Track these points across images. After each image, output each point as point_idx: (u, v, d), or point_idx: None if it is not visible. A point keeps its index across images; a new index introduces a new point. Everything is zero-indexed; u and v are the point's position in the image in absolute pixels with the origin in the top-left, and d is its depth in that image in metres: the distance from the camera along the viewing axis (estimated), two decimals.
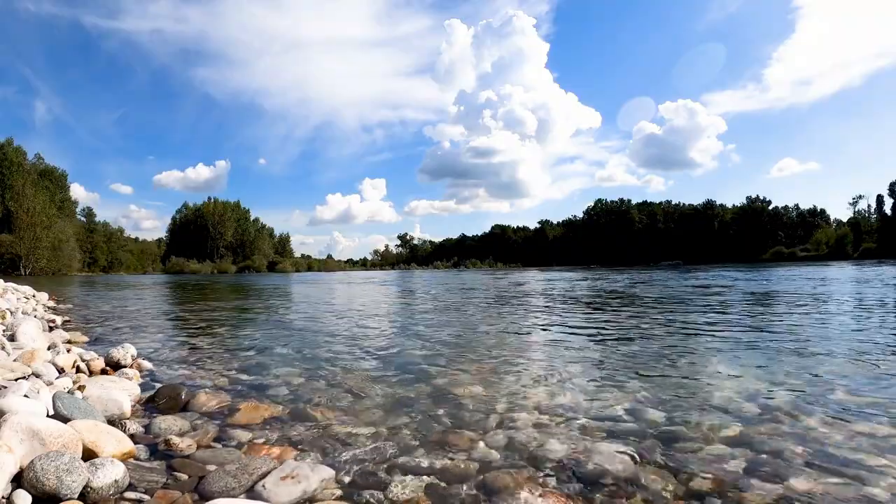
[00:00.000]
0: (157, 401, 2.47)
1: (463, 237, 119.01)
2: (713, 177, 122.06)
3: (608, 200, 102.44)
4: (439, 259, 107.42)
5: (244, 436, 2.03)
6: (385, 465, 1.74)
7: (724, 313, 6.51)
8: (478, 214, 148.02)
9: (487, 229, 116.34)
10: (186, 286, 20.33)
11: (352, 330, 5.46)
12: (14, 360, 2.72)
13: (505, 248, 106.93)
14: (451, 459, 1.79)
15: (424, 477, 1.65)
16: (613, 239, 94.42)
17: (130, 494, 1.49)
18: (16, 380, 2.29)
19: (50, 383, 2.43)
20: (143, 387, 2.76)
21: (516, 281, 19.64)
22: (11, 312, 5.30)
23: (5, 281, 11.20)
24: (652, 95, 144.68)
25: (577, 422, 2.18)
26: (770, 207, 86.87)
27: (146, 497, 1.49)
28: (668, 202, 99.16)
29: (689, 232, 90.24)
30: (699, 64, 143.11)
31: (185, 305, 9.92)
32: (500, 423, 2.17)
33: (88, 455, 1.63)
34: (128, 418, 2.17)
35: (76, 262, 60.02)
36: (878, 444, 1.86)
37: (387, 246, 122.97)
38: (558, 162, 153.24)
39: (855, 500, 1.46)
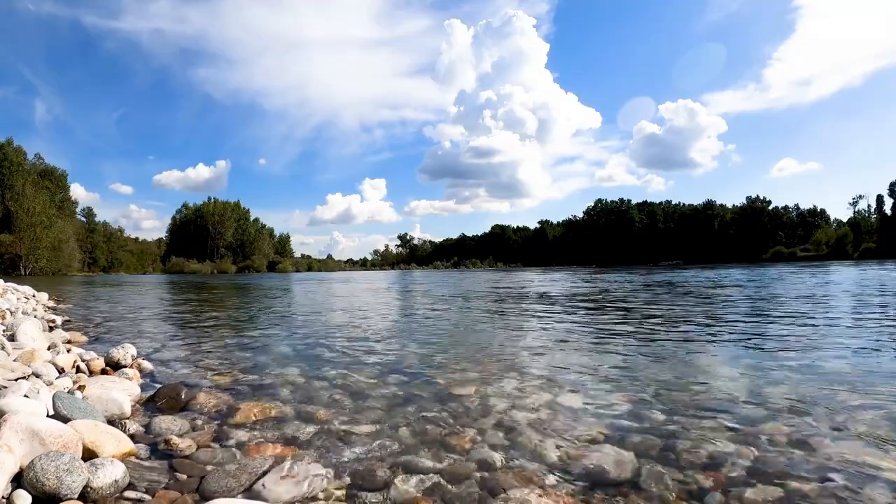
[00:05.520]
0: (157, 401, 2.47)
1: (463, 237, 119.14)
2: (713, 177, 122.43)
3: (608, 200, 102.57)
4: (439, 259, 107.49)
5: (244, 435, 2.03)
6: (385, 465, 1.74)
7: (724, 313, 6.51)
8: (478, 214, 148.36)
9: (487, 229, 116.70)
10: (186, 286, 20.32)
11: (352, 330, 5.46)
12: (14, 360, 2.72)
13: (505, 248, 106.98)
14: (451, 459, 1.79)
15: (424, 477, 1.65)
16: (613, 239, 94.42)
17: (130, 494, 1.49)
18: (16, 380, 2.29)
19: (50, 383, 2.43)
20: (143, 387, 2.76)
21: (516, 281, 19.64)
22: (11, 312, 5.30)
23: (5, 281, 11.20)
24: (652, 95, 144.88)
25: (577, 421, 2.18)
26: (770, 207, 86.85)
27: (146, 497, 1.49)
28: (668, 202, 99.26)
29: (689, 232, 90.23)
30: (699, 64, 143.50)
31: (185, 305, 9.92)
32: (500, 423, 2.17)
33: (88, 455, 1.63)
34: (128, 418, 2.17)
35: (76, 262, 60.04)
36: (879, 445, 1.86)
37: (387, 246, 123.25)
38: (558, 162, 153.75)
39: (856, 500, 1.46)
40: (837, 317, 5.87)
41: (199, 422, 2.19)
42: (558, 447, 1.88)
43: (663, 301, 8.63)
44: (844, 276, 16.62)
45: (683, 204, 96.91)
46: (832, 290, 10.34)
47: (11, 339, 3.41)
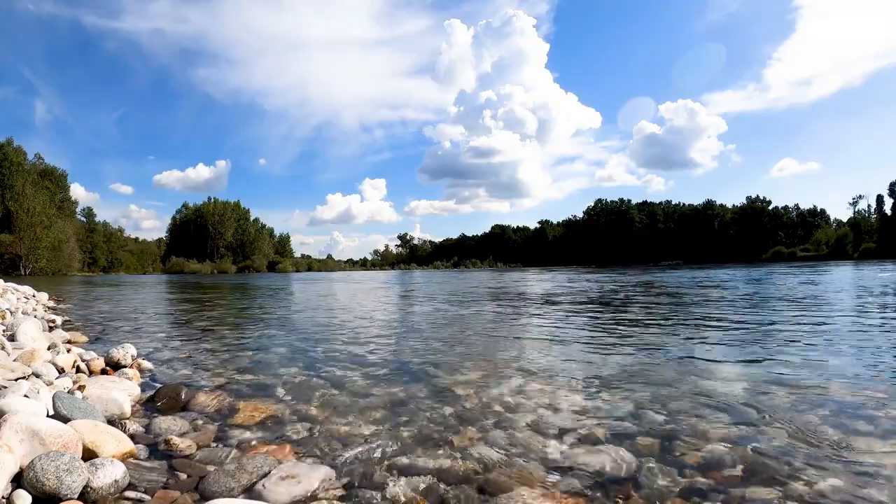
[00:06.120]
0: (157, 401, 2.47)
1: (463, 237, 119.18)
2: (713, 177, 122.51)
3: (608, 200, 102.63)
4: (439, 259, 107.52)
5: (244, 436, 2.03)
6: (385, 465, 1.74)
7: (723, 313, 6.51)
8: (478, 214, 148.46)
9: (487, 229, 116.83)
10: (186, 286, 20.32)
11: (351, 330, 5.46)
12: (14, 360, 2.72)
13: (505, 248, 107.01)
14: (451, 459, 1.79)
15: (424, 477, 1.65)
16: (613, 239, 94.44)
17: (130, 494, 1.49)
18: (16, 380, 2.29)
19: (50, 383, 2.43)
20: (143, 387, 2.76)
21: (516, 281, 19.64)
22: (11, 312, 5.30)
23: (5, 281, 11.20)
24: (652, 95, 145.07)
25: (577, 421, 2.18)
26: (770, 207, 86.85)
27: (146, 497, 1.49)
28: (668, 202, 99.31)
29: (689, 232, 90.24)
30: (699, 64, 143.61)
31: (185, 305, 9.92)
32: (499, 423, 2.17)
33: (88, 455, 1.63)
34: (128, 418, 2.17)
35: (76, 262, 60.04)
36: (878, 444, 1.86)
37: (387, 246, 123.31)
38: (558, 162, 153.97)
39: (855, 500, 1.46)
40: (837, 316, 5.86)
41: (200, 422, 2.19)
42: (558, 447, 1.88)
43: (663, 301, 8.62)
44: (833, 276, 16.62)
45: (683, 204, 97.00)
46: (832, 290, 10.33)
47: (11, 339, 3.41)
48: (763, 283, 13.41)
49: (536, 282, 18.04)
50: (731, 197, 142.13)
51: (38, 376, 2.49)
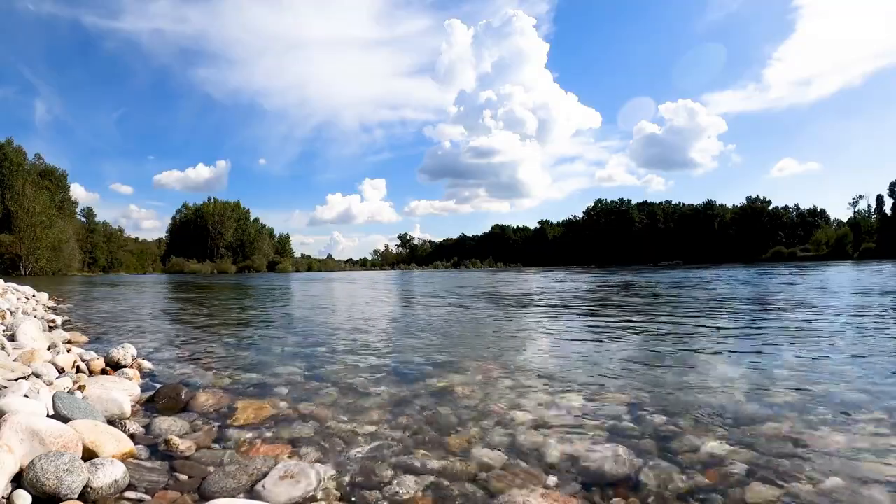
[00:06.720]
0: (157, 401, 2.47)
1: (463, 237, 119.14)
2: (713, 177, 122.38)
3: (608, 200, 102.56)
4: (439, 259, 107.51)
5: (244, 436, 2.03)
6: (385, 465, 1.74)
7: (723, 313, 6.51)
8: (478, 214, 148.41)
9: (487, 229, 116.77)
10: (186, 286, 20.32)
11: (352, 330, 5.46)
12: (14, 360, 2.72)
13: (505, 248, 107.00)
14: (451, 459, 1.79)
15: (424, 477, 1.65)
16: (613, 239, 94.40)
17: (130, 494, 1.49)
18: (16, 380, 2.29)
19: (50, 383, 2.43)
20: (143, 387, 2.76)
21: (516, 281, 19.64)
22: (11, 312, 5.30)
23: (5, 281, 11.20)
24: (652, 95, 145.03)
25: (577, 422, 2.18)
26: (770, 207, 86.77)
27: (146, 497, 1.49)
28: (668, 202, 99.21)
29: (689, 232, 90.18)
30: (699, 64, 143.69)
31: (185, 305, 9.92)
32: (500, 423, 2.17)
33: (88, 455, 1.63)
34: (128, 418, 2.17)
35: (76, 262, 60.01)
36: (878, 444, 1.86)
37: (387, 246, 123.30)
38: (558, 162, 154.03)
39: (855, 500, 1.46)
40: (837, 317, 5.86)
41: (200, 422, 2.19)
42: (558, 447, 1.88)
43: (662, 302, 8.62)
44: (816, 278, 16.61)
45: (683, 204, 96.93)
46: (831, 290, 10.33)
47: (11, 339, 3.41)
48: (748, 283, 13.41)
49: (535, 282, 18.05)
50: (731, 197, 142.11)
51: (38, 376, 2.49)
